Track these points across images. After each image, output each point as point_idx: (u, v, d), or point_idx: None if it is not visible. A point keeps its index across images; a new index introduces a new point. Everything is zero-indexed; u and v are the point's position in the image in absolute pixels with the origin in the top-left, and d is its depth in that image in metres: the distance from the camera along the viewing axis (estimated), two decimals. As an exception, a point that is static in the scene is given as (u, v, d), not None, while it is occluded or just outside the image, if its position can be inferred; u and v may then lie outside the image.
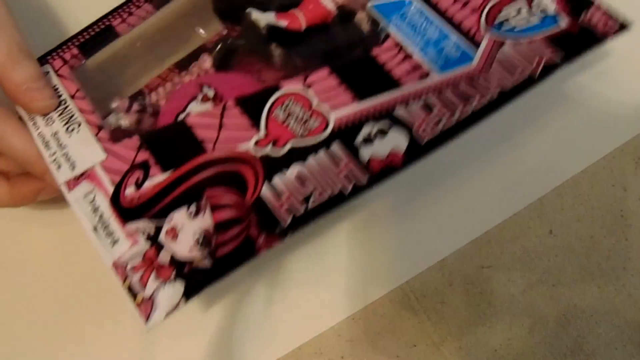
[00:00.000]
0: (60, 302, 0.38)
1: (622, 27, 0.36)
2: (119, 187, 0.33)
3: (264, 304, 0.38)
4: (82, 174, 0.34)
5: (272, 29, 0.38)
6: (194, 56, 0.41)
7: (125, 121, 0.37)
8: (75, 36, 0.39)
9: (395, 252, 0.39)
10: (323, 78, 0.36)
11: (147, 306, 0.31)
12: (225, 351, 0.37)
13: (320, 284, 0.38)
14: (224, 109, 0.35)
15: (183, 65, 0.41)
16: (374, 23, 0.38)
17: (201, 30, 0.39)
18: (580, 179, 0.41)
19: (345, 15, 0.40)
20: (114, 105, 0.37)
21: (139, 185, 0.33)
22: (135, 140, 0.35)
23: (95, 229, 0.32)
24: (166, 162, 0.34)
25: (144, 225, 0.32)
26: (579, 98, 0.41)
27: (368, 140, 0.34)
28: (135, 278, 0.31)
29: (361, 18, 0.39)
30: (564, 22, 0.36)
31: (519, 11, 0.37)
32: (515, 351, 0.38)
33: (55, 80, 0.37)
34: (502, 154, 0.40)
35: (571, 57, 0.35)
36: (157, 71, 0.41)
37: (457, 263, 0.39)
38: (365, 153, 0.33)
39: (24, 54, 0.35)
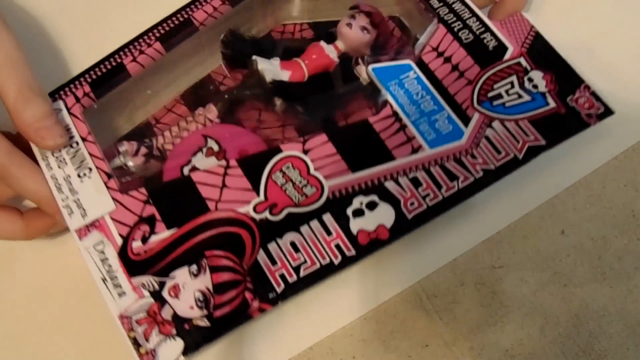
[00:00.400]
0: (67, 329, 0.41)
1: (608, 112, 0.38)
2: (126, 241, 0.36)
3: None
4: (92, 223, 0.37)
5: (277, 84, 0.40)
6: (199, 88, 0.43)
7: (133, 164, 0.39)
8: (87, 71, 0.41)
9: (406, 252, 0.40)
10: (320, 144, 0.38)
11: (149, 358, 0.34)
12: (238, 351, 0.39)
13: (332, 283, 0.38)
14: (226, 168, 0.37)
15: (187, 96, 0.43)
16: (375, 90, 0.40)
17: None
18: (592, 179, 0.42)
19: (346, 66, 0.42)
20: (122, 148, 0.39)
21: (144, 240, 0.36)
22: (142, 193, 0.37)
23: (104, 280, 0.36)
24: (171, 219, 0.37)
25: (149, 280, 0.35)
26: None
27: (358, 212, 0.37)
28: (139, 330, 0.35)
29: (360, 70, 0.41)
30: (552, 102, 0.38)
31: (510, 87, 0.39)
32: (527, 351, 0.38)
33: (67, 119, 0.39)
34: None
35: (555, 141, 0.38)
36: (163, 102, 0.43)
37: (469, 263, 0.40)
38: (355, 225, 0.36)
39: (35, 92, 0.37)
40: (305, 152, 0.38)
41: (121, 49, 0.41)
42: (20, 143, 0.38)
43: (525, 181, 0.42)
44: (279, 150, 0.38)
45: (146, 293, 0.35)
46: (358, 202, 0.37)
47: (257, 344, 0.39)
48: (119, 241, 0.36)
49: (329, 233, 0.36)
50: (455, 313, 0.39)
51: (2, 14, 0.38)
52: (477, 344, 0.39)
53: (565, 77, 0.39)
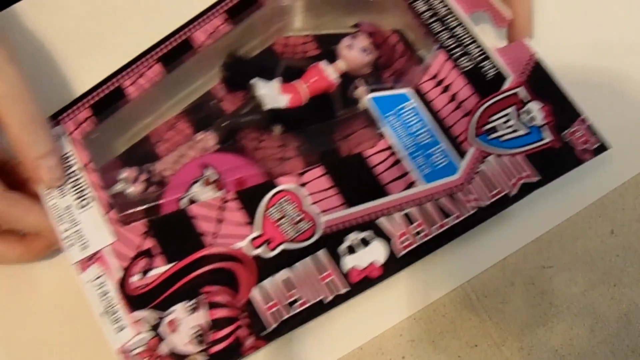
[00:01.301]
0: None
1: (602, 148, 0.39)
2: (125, 274, 0.37)
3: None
4: (93, 255, 0.38)
5: (275, 112, 0.40)
6: (200, 104, 0.43)
7: (133, 190, 0.40)
8: (88, 94, 0.41)
9: (456, 252, 0.40)
10: (316, 177, 0.39)
11: (148, 390, 0.36)
12: (288, 350, 0.39)
13: (381, 283, 0.38)
14: (223, 201, 0.38)
15: (189, 112, 0.43)
16: (374, 123, 0.40)
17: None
18: (642, 178, 0.41)
19: (347, 87, 0.42)
20: (123, 175, 0.40)
21: (144, 273, 0.37)
22: (141, 225, 0.38)
23: (104, 313, 0.37)
24: (169, 253, 0.38)
25: (148, 314, 0.37)
26: (638, 97, 0.40)
27: (351, 249, 0.38)
28: (139, 364, 0.36)
29: (360, 93, 0.42)
30: (548, 136, 0.39)
31: (507, 119, 0.39)
32: (577, 351, 0.39)
33: (68, 146, 0.40)
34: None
35: (549, 178, 0.38)
36: (163, 119, 0.43)
37: (519, 263, 0.41)
38: (347, 263, 0.37)
39: (38, 126, 0.38)
40: (302, 185, 0.38)
41: (121, 70, 0.41)
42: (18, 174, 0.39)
43: (574, 181, 0.41)
44: (276, 184, 0.38)
45: (145, 328, 0.36)
46: (351, 238, 0.38)
47: (307, 343, 0.40)
48: (119, 274, 0.37)
49: (322, 270, 0.37)
50: (505, 313, 0.40)
51: (9, 45, 0.38)
52: (526, 344, 0.39)
53: (562, 110, 0.39)
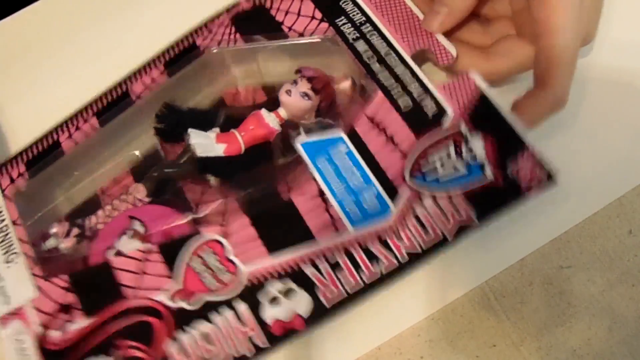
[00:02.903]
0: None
1: (550, 178, 0.35)
2: (45, 330, 0.36)
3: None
4: (14, 311, 0.37)
5: (206, 160, 0.39)
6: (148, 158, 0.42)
7: (64, 245, 0.39)
8: (25, 151, 0.41)
9: (474, 252, 0.39)
10: (241, 228, 0.37)
11: None
12: (306, 350, 0.39)
13: (398, 284, 0.37)
14: (147, 253, 0.37)
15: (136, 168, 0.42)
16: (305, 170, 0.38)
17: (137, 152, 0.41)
18: (660, 178, 0.41)
19: (288, 134, 0.41)
20: (53, 230, 0.39)
21: (63, 329, 0.36)
22: (63, 280, 0.37)
23: (19, 370, 0.36)
24: (89, 307, 0.36)
25: (65, 372, 0.35)
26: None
27: (274, 300, 0.35)
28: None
29: (302, 140, 0.40)
30: (490, 174, 0.36)
31: (447, 158, 0.37)
32: (595, 351, 0.38)
33: (0, 201, 0.39)
34: (581, 153, 0.40)
35: (489, 219, 0.35)
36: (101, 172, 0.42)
37: (537, 263, 0.40)
38: (270, 315, 0.35)
39: None
40: (226, 235, 0.37)
41: (58, 125, 0.41)
42: None
43: (592, 181, 0.41)
44: (199, 234, 0.37)
45: (62, 385, 0.35)
46: (275, 289, 0.36)
47: (325, 343, 0.39)
48: (38, 330, 0.36)
49: (243, 324, 0.35)
50: (523, 313, 0.39)
51: None
52: (544, 344, 0.39)
53: (507, 143, 0.36)
